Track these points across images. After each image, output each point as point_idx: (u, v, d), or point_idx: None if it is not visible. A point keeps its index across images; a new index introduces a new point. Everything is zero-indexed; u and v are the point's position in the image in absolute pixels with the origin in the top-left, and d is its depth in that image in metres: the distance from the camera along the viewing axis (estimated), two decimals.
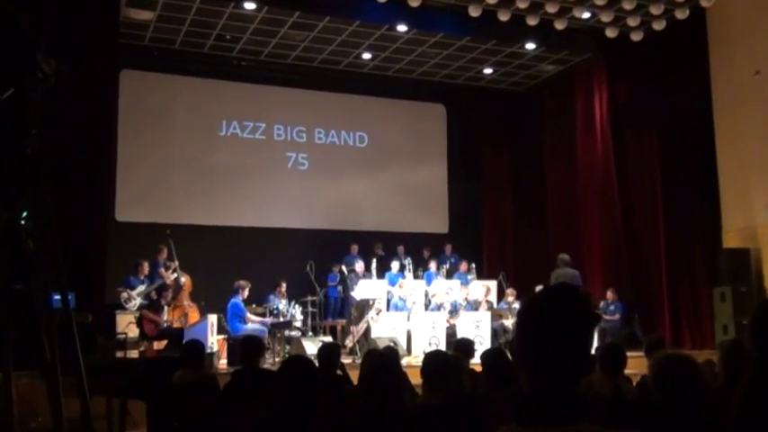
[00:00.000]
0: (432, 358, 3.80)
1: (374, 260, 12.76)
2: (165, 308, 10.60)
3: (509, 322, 11.78)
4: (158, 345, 10.09)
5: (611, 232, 13.06)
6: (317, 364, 3.45)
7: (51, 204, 2.19)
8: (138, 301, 10.69)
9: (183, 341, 9.60)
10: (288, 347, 10.79)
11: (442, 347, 10.39)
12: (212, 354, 9.23)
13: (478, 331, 11.30)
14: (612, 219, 12.94)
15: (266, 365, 8.80)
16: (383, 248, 13.86)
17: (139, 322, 9.98)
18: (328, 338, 10.87)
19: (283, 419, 3.00)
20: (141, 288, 10.87)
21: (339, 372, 5.54)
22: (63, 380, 2.10)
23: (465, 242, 14.92)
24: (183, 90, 13.79)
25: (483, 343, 11.08)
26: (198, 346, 5.87)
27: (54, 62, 2.30)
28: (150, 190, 13.20)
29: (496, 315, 11.99)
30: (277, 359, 10.20)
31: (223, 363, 9.94)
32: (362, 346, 10.44)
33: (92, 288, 10.79)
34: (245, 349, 5.63)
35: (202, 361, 6.00)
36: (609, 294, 12.34)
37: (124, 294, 10.66)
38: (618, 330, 12.03)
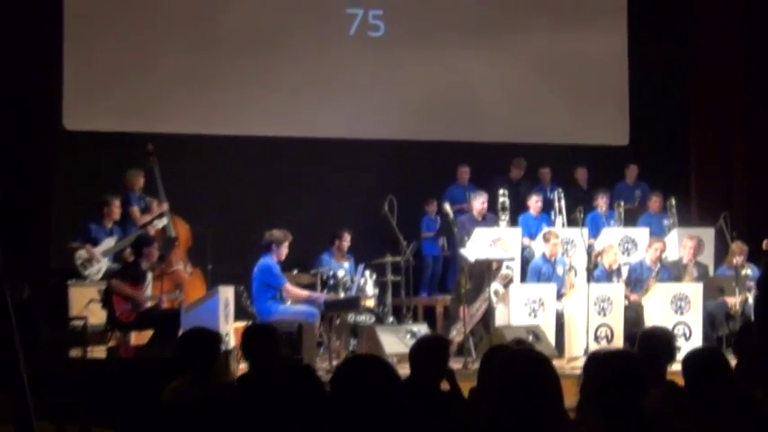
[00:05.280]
0: (600, 364, 3.82)
1: (500, 193, 12.74)
2: (149, 275, 10.90)
3: (737, 300, 11.65)
4: (138, 337, 10.43)
5: None
6: (398, 370, 3.49)
7: None
8: (104, 265, 11.01)
9: (180, 330, 9.97)
10: (353, 342, 10.97)
11: (618, 344, 10.38)
12: (228, 352, 9.48)
13: (682, 317, 11.25)
14: None
15: (320, 369, 8.99)
16: (516, 173, 13.84)
17: (107, 300, 10.26)
18: (423, 327, 10.97)
19: None
20: (109, 242, 11.17)
21: (445, 385, 5.63)
22: None
23: (658, 162, 14.76)
24: None
25: (689, 337, 11.03)
26: (208, 336, 6.06)
27: None
28: (119, 78, 13.42)
29: (714, 288, 11.87)
30: (335, 362, 10.39)
31: (245, 366, 10.18)
32: (481, 342, 10.53)
33: (28, 243, 11.19)
34: (248, 342, 6.06)
35: (214, 365, 6.19)
36: None
37: (81, 253, 10.99)
38: None
